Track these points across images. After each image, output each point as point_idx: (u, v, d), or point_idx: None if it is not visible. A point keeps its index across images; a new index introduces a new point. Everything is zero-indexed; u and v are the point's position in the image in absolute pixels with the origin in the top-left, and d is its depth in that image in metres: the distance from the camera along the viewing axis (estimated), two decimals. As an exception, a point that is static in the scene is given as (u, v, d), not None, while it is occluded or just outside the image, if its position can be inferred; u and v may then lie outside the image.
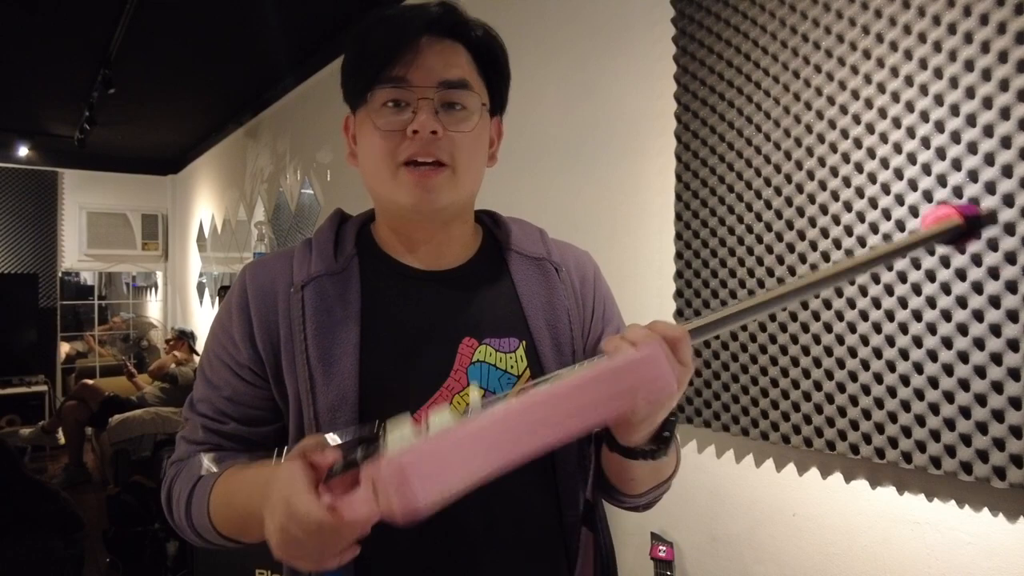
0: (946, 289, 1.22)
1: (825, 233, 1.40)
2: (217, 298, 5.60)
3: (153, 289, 7.65)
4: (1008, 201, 1.14)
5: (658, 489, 0.84)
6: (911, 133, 1.27)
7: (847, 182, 1.37)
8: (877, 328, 1.32)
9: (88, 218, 6.90)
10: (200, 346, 5.63)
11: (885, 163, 1.31)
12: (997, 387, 1.15)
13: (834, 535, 1.44)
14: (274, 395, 0.80)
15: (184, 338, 5.45)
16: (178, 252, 7.18)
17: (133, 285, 7.65)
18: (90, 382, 5.44)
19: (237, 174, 5.41)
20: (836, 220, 1.39)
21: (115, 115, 4.84)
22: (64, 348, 6.90)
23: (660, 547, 1.74)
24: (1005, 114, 1.15)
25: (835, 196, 1.39)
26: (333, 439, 0.61)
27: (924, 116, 1.25)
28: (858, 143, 1.35)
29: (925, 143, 1.25)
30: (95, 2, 3.12)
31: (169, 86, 4.47)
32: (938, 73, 1.23)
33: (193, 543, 0.82)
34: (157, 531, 3.33)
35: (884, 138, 1.31)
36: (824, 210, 1.41)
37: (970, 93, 1.19)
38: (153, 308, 7.65)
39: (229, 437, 0.81)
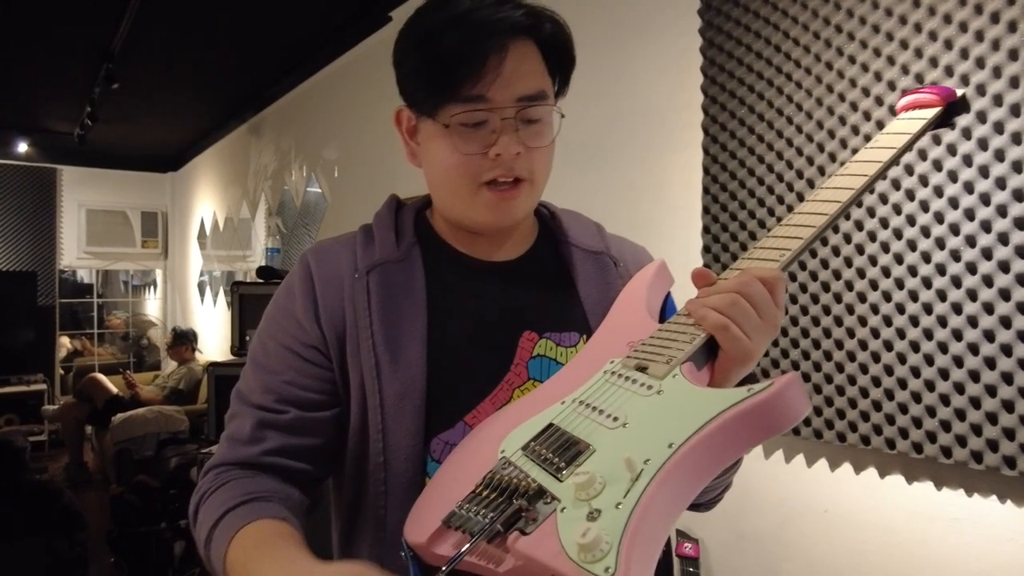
0: (988, 282, 1.20)
1: (859, 226, 1.39)
2: (224, 294, 5.54)
3: (151, 287, 7.60)
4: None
5: (727, 473, 0.82)
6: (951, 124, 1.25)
7: (896, 184, 1.35)
8: (914, 321, 1.30)
9: (87, 215, 6.85)
10: (201, 344, 5.58)
11: (923, 154, 1.29)
12: (1042, 380, 1.14)
13: (868, 532, 1.42)
14: (335, 378, 0.78)
15: (186, 341, 5.36)
16: (178, 250, 7.14)
17: (132, 284, 7.59)
18: (99, 376, 5.34)
19: (240, 171, 5.37)
20: (871, 212, 1.37)
21: (116, 111, 4.80)
22: (64, 342, 6.83)
23: (686, 544, 1.72)
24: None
25: (869, 188, 1.37)
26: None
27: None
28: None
29: (966, 134, 1.24)
30: (100, -4, 3.09)
31: (172, 82, 4.43)
32: (980, 63, 1.22)
33: None
34: (163, 531, 3.29)
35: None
36: (858, 202, 1.39)
37: (1015, 82, 1.18)
38: (151, 306, 7.60)
39: (287, 430, 0.77)
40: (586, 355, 0.76)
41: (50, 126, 5.59)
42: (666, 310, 0.82)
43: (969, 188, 1.22)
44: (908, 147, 0.76)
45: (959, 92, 0.79)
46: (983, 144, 1.21)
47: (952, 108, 0.79)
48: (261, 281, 3.26)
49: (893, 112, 0.84)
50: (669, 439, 0.56)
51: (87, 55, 3.75)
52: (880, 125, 1.35)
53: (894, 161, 0.76)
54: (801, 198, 1.49)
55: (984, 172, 1.20)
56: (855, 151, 1.40)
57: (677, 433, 0.56)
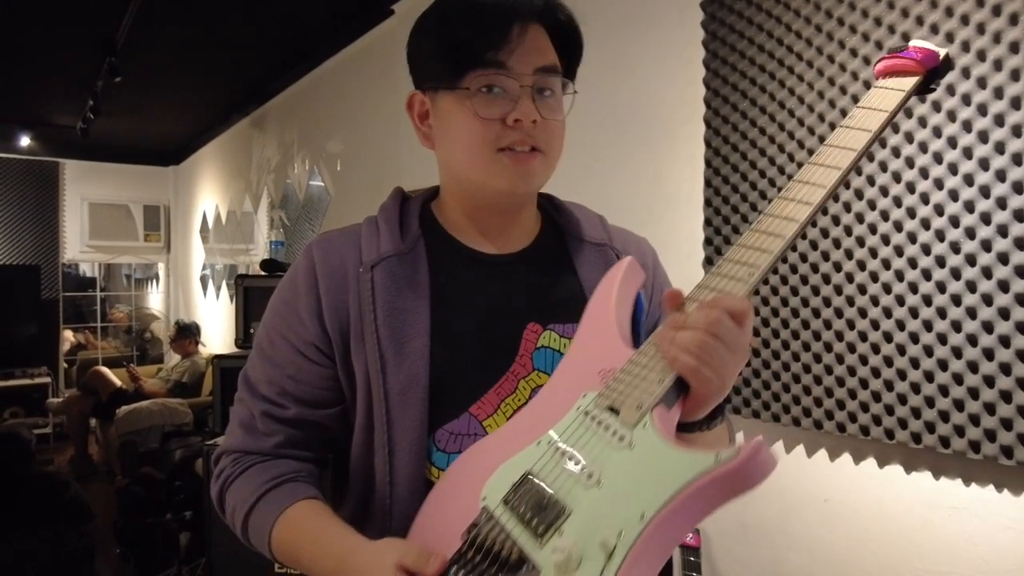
0: (987, 273, 1.21)
1: (860, 218, 1.40)
2: (226, 288, 5.56)
3: (154, 281, 7.62)
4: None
5: None
6: (952, 117, 1.26)
7: (883, 166, 1.36)
8: (913, 312, 1.31)
9: (90, 209, 6.86)
10: (204, 337, 5.60)
11: (924, 147, 1.30)
12: (1041, 371, 1.15)
13: (868, 521, 1.44)
14: (339, 375, 0.79)
15: (189, 334, 5.37)
16: (180, 244, 7.15)
17: (135, 277, 7.61)
18: (103, 369, 5.36)
19: (242, 165, 5.38)
20: (872, 205, 1.38)
21: (119, 105, 4.80)
22: (68, 335, 6.85)
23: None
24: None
25: (871, 181, 1.38)
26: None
27: (950, 90, 1.25)
28: (894, 127, 1.34)
29: (966, 127, 1.24)
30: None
31: (175, 76, 4.44)
32: (981, 56, 1.22)
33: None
34: (168, 522, 3.32)
35: (923, 122, 1.30)
36: (859, 194, 1.40)
37: (1015, 75, 1.18)
38: (154, 300, 7.62)
39: (292, 424, 0.79)
40: (559, 382, 0.75)
41: (52, 120, 5.59)
42: (638, 311, 0.81)
43: (969, 181, 1.23)
44: (887, 124, 0.73)
45: (941, 53, 0.74)
46: (983, 137, 1.22)
47: (934, 73, 0.75)
48: (265, 274, 3.27)
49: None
50: (641, 508, 0.58)
51: (90, 48, 3.75)
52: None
53: (872, 143, 0.73)
54: (802, 191, 1.50)
55: (984, 165, 1.21)
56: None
57: (648, 502, 0.58)
